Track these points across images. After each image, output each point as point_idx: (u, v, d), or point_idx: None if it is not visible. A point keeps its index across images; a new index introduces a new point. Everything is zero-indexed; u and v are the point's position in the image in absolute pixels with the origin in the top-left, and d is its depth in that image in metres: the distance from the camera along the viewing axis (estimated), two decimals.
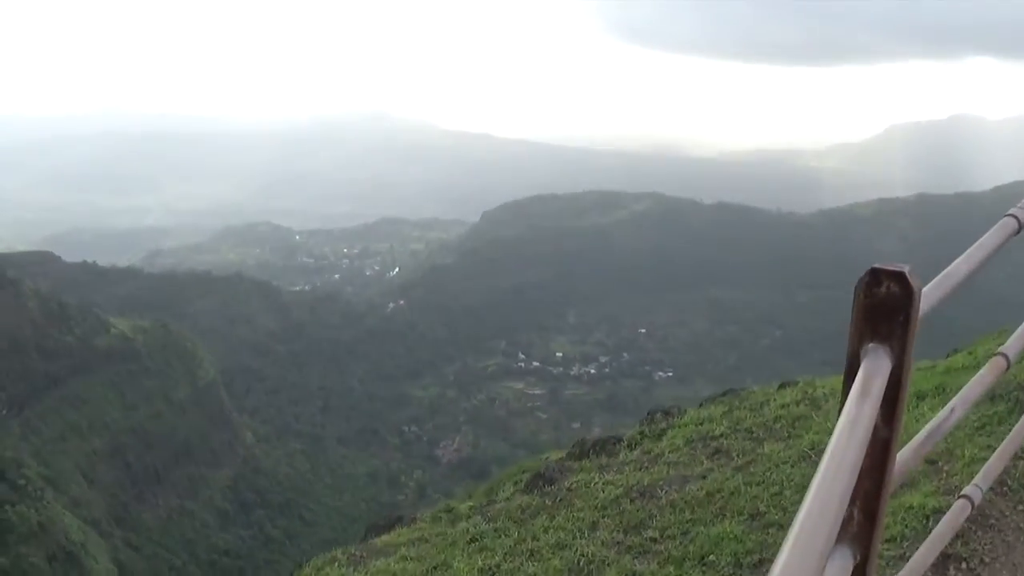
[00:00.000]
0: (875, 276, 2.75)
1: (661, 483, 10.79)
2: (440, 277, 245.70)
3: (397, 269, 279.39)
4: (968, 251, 3.71)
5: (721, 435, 12.25)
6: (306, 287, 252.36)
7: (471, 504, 12.39)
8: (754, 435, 11.94)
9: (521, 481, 13.84)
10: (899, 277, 2.73)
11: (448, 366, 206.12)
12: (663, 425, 13.80)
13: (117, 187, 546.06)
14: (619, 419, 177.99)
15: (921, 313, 2.84)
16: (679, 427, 13.28)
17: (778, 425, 12.11)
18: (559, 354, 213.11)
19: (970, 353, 14.57)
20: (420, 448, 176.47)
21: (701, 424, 13.03)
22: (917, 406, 10.90)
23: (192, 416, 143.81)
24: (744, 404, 13.78)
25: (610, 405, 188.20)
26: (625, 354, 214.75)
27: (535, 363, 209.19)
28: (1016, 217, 4.10)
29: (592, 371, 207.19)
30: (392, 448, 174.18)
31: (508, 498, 12.28)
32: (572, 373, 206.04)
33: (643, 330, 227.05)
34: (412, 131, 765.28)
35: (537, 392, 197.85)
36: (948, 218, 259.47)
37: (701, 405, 15.73)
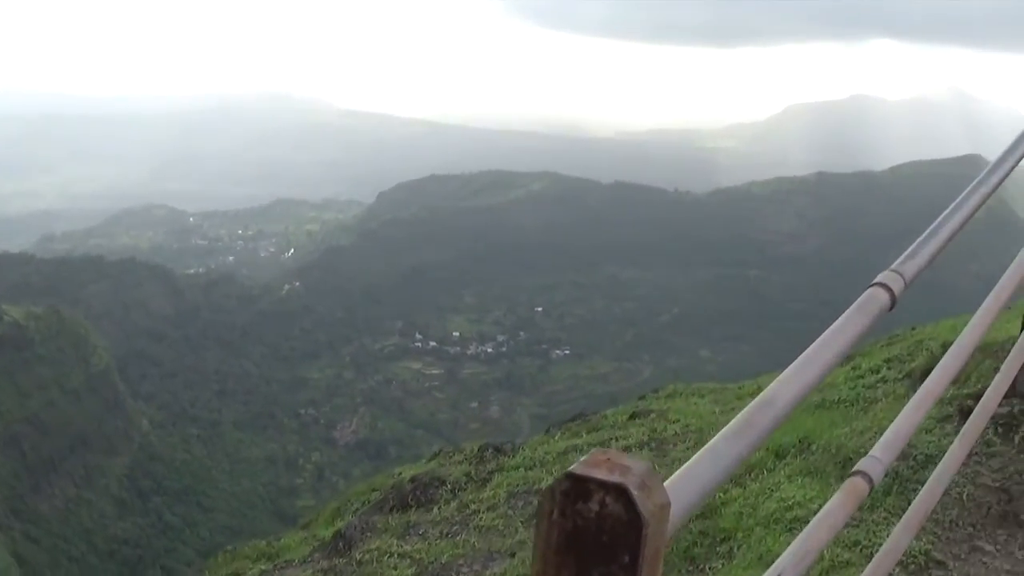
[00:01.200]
0: (580, 486, 1.50)
1: (462, 561, 9.52)
2: (336, 258, 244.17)
3: (292, 251, 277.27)
4: (803, 355, 2.27)
5: None
6: (200, 270, 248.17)
7: (262, 567, 11.24)
8: None
9: (368, 503, 12.84)
10: (619, 492, 1.48)
11: (345, 347, 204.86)
12: (492, 466, 12.29)
13: (8, 170, 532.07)
14: (516, 397, 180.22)
15: (674, 525, 1.59)
16: (507, 471, 11.75)
17: None
18: (456, 334, 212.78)
19: (854, 368, 11.46)
20: (317, 431, 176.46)
21: (531, 469, 11.51)
22: (773, 469, 8.41)
23: (87, 403, 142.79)
24: (585, 444, 12.13)
25: (508, 384, 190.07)
26: (522, 333, 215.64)
27: (432, 343, 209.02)
28: (888, 288, 2.68)
29: (489, 350, 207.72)
30: (289, 431, 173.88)
31: (304, 560, 10.92)
32: (469, 352, 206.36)
33: (540, 308, 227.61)
34: (310, 111, 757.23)
35: (434, 372, 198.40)
36: (846, 196, 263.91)
37: (548, 431, 14.27)
